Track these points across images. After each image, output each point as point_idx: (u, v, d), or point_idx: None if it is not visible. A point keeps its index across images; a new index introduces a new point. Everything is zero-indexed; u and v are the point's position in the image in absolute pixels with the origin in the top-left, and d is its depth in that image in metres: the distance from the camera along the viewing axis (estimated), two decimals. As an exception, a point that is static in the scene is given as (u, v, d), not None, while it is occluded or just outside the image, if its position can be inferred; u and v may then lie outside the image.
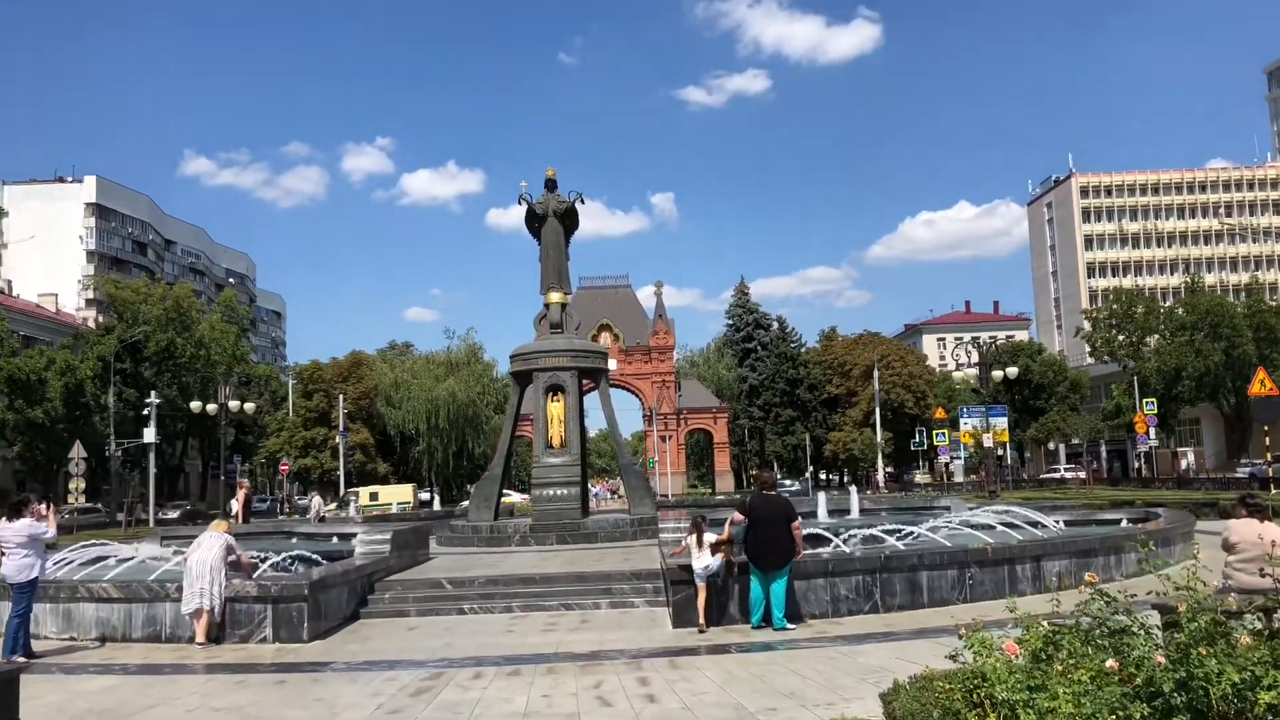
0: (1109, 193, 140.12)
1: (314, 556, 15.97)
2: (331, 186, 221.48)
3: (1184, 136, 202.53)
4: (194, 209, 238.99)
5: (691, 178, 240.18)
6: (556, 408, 22.39)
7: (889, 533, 17.27)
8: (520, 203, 23.87)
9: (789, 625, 11.53)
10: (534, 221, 24.10)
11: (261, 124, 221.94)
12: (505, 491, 49.64)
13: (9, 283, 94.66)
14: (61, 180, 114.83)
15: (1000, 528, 18.21)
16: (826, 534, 16.61)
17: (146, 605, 12.45)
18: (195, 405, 47.85)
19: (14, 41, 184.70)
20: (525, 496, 36.58)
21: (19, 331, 71.17)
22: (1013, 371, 41.27)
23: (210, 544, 12.37)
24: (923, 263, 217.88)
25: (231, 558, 12.49)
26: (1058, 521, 19.75)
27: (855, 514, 21.57)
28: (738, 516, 12.00)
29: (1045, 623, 6.59)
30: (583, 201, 24.01)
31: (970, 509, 21.44)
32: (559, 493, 21.76)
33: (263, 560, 15.63)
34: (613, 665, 9.74)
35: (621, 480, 26.14)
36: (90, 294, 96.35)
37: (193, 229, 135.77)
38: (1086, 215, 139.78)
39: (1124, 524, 20.49)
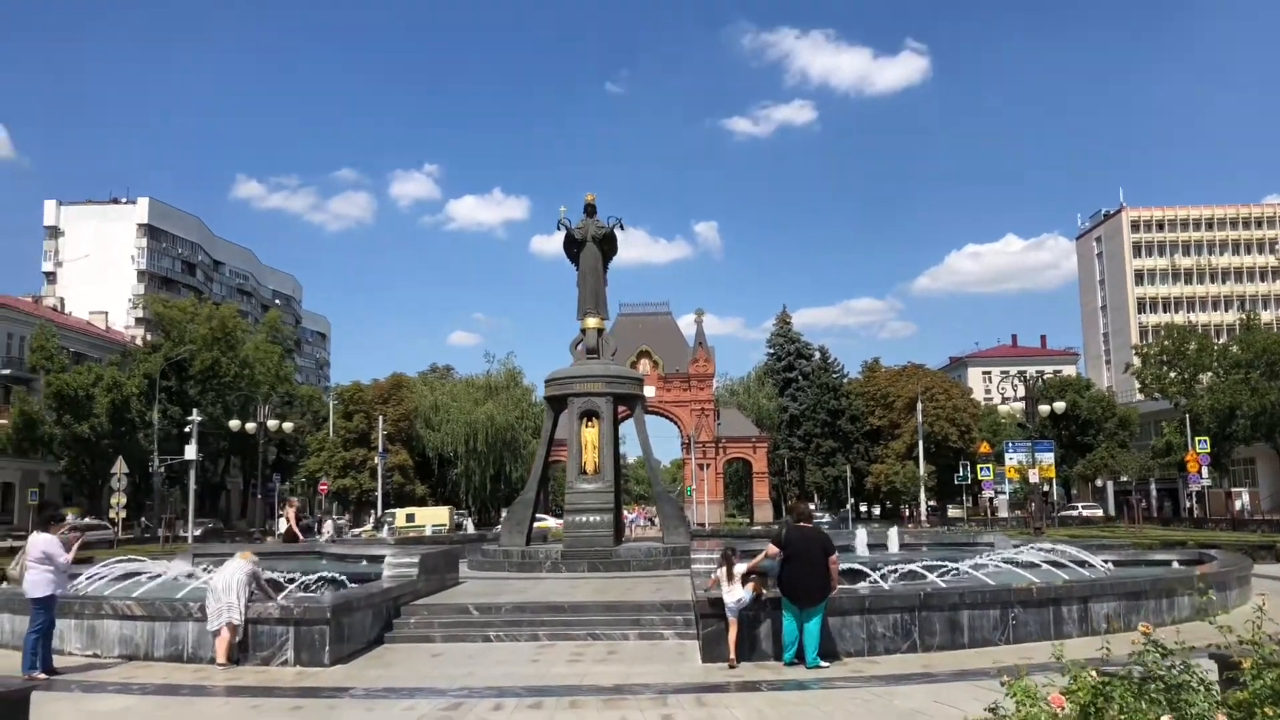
0: (1160, 227, 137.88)
1: (341, 578, 15.76)
2: (379, 211, 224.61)
3: (1238, 171, 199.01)
4: (243, 232, 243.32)
5: (736, 207, 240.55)
6: (591, 433, 22.14)
7: (929, 569, 16.75)
8: (559, 228, 23.78)
9: (823, 663, 11.10)
10: (572, 247, 23.99)
11: (312, 150, 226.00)
12: (540, 516, 49.57)
13: (61, 300, 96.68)
14: (116, 201, 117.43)
15: (1045, 566, 17.62)
16: (864, 569, 16.15)
17: (170, 624, 12.31)
18: (235, 424, 48.09)
19: (73, 65, 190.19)
20: (560, 522, 36.33)
21: (69, 348, 72.53)
22: (1060, 406, 40.33)
23: (235, 567, 12.25)
24: (968, 295, 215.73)
25: (254, 587, 12.32)
26: (1105, 562, 19.05)
27: (894, 549, 21.01)
28: (772, 549, 11.62)
29: (1094, 672, 6.17)
30: (622, 227, 23.89)
31: (1014, 546, 20.79)
32: (592, 519, 21.46)
33: (289, 581, 15.50)
34: (637, 701, 9.39)
35: (656, 508, 25.79)
36: (139, 313, 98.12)
37: (241, 250, 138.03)
38: (1137, 250, 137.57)
39: (1175, 565, 19.74)
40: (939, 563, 17.32)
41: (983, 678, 10.29)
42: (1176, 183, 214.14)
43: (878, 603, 12.04)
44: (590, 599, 15.11)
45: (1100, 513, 62.32)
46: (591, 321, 23.38)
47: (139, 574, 18.20)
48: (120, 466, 44.77)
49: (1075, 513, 70.13)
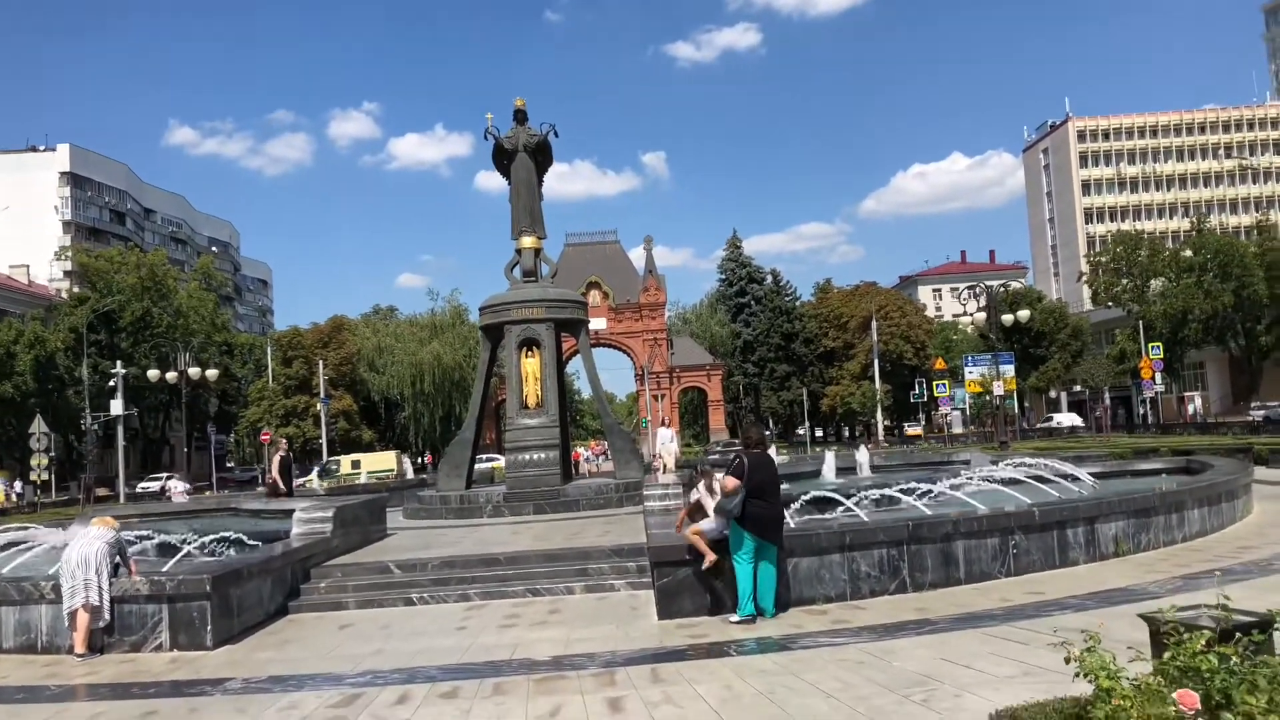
0: (1106, 136, 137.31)
1: (245, 539, 13.76)
2: (318, 153, 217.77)
3: (1182, 78, 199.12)
4: (178, 180, 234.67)
5: (683, 136, 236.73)
6: (531, 364, 20.16)
7: (906, 493, 15.20)
8: (487, 137, 21.44)
9: (776, 615, 9.60)
10: (503, 158, 21.69)
11: (246, 92, 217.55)
12: (493, 456, 47.72)
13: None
14: (34, 149, 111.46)
15: (1032, 483, 16.17)
16: (837, 496, 14.50)
17: (18, 608, 10.25)
18: (154, 374, 45.35)
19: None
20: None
21: (-13, 304, 68.72)
22: (1024, 315, 38.94)
23: (95, 533, 10.18)
24: (916, 216, 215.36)
25: (116, 559, 10.29)
26: (1090, 475, 17.68)
27: (866, 473, 19.44)
28: (730, 482, 9.66)
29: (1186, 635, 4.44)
30: (556, 134, 21.59)
31: (991, 463, 19.34)
32: (536, 457, 19.59)
33: (184, 544, 13.50)
34: (578, 679, 7.60)
35: (607, 441, 24.08)
36: (65, 265, 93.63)
37: (173, 197, 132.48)
38: (1084, 160, 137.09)
39: (1165, 476, 18.42)
40: (915, 485, 15.78)
41: (990, 622, 8.67)
42: (1121, 92, 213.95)
43: (860, 537, 10.33)
44: (530, 547, 13.30)
45: (1081, 422, 61.57)
46: (527, 241, 21.23)
47: (21, 544, 16.09)
48: (39, 425, 41.96)
49: (1052, 424, 69.13)
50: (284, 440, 23.30)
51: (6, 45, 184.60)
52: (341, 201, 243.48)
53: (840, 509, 14.40)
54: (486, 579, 12.01)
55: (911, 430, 77.47)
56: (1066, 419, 71.69)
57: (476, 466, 33.67)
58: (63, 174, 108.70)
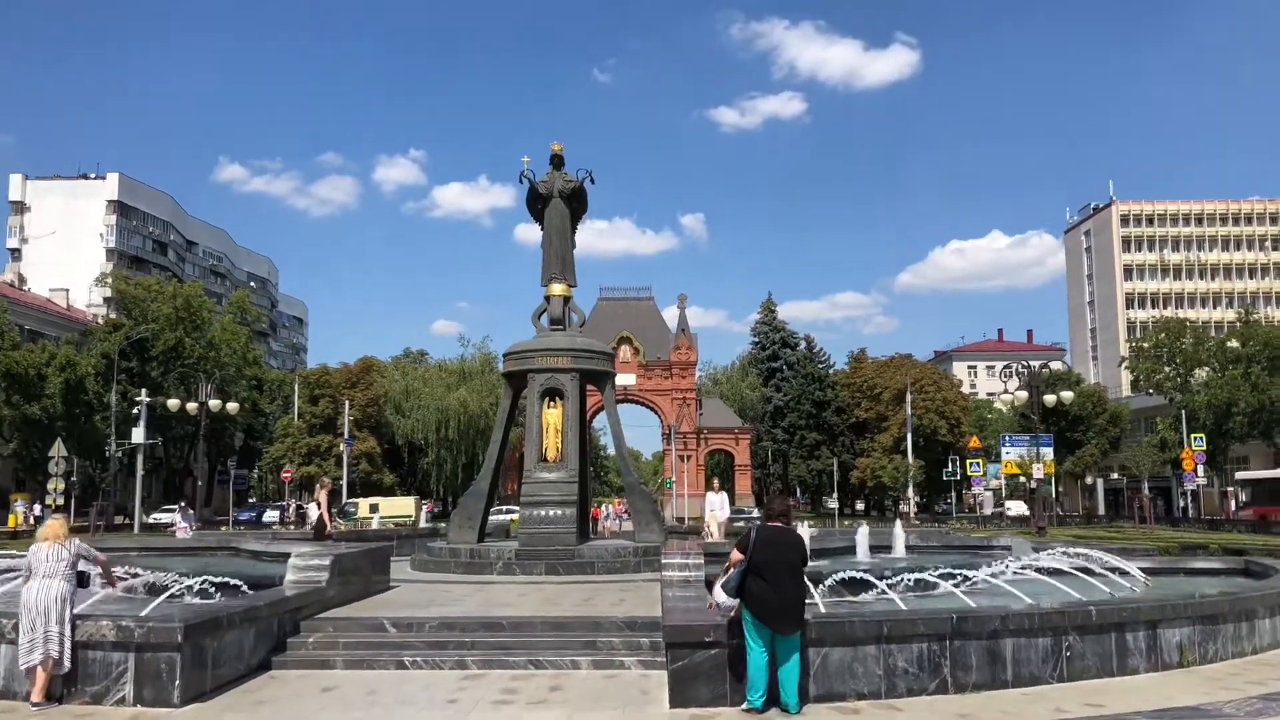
0: (1150, 222, 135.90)
1: (238, 583, 12.93)
2: (363, 196, 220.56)
3: (1228, 167, 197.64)
4: (224, 215, 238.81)
5: (722, 199, 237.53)
6: (553, 415, 19.34)
7: (945, 578, 14.15)
8: (522, 180, 20.91)
9: (801, 711, 8.55)
10: (537, 203, 21.14)
11: (297, 134, 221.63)
12: (511, 508, 46.76)
13: (19, 276, 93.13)
14: (85, 177, 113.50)
15: (1079, 575, 15.05)
16: (870, 577, 13.49)
17: (-25, 647, 9.44)
18: (173, 403, 45.01)
19: (51, 38, 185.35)
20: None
21: (24, 326, 69.13)
22: (1069, 396, 37.73)
23: (51, 565, 9.31)
24: (952, 291, 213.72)
25: (85, 568, 9.46)
26: (1139, 570, 16.49)
27: (900, 552, 18.32)
28: (735, 555, 8.92)
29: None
30: (592, 181, 21.00)
31: (1034, 550, 18.18)
32: (552, 513, 18.67)
33: (169, 585, 12.70)
34: (573, 776, 6.65)
35: (626, 501, 23.10)
36: (104, 291, 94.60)
37: (215, 230, 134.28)
38: (1126, 244, 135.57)
39: (1223, 578, 17.18)
40: (954, 570, 14.71)
41: (1046, 737, 7.63)
42: (1166, 178, 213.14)
43: (898, 628, 9.32)
44: (537, 613, 12.36)
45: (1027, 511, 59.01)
46: (557, 288, 20.57)
47: (9, 572, 15.38)
48: (58, 449, 41.68)
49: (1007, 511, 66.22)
50: (327, 478, 22.10)
51: (66, 73, 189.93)
52: (383, 245, 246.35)
53: (874, 592, 13.40)
54: (487, 645, 11.08)
55: (942, 510, 75.68)
56: (1015, 507, 69.14)
57: (494, 518, 32.72)
58: (110, 202, 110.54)
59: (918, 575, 14.18)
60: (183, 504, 31.78)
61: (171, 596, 12.76)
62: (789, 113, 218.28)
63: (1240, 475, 64.44)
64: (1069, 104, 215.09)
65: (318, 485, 22.47)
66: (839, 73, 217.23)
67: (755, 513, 53.35)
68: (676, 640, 8.93)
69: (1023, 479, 67.99)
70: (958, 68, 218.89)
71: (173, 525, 28.35)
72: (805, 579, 9.00)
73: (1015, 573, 15.30)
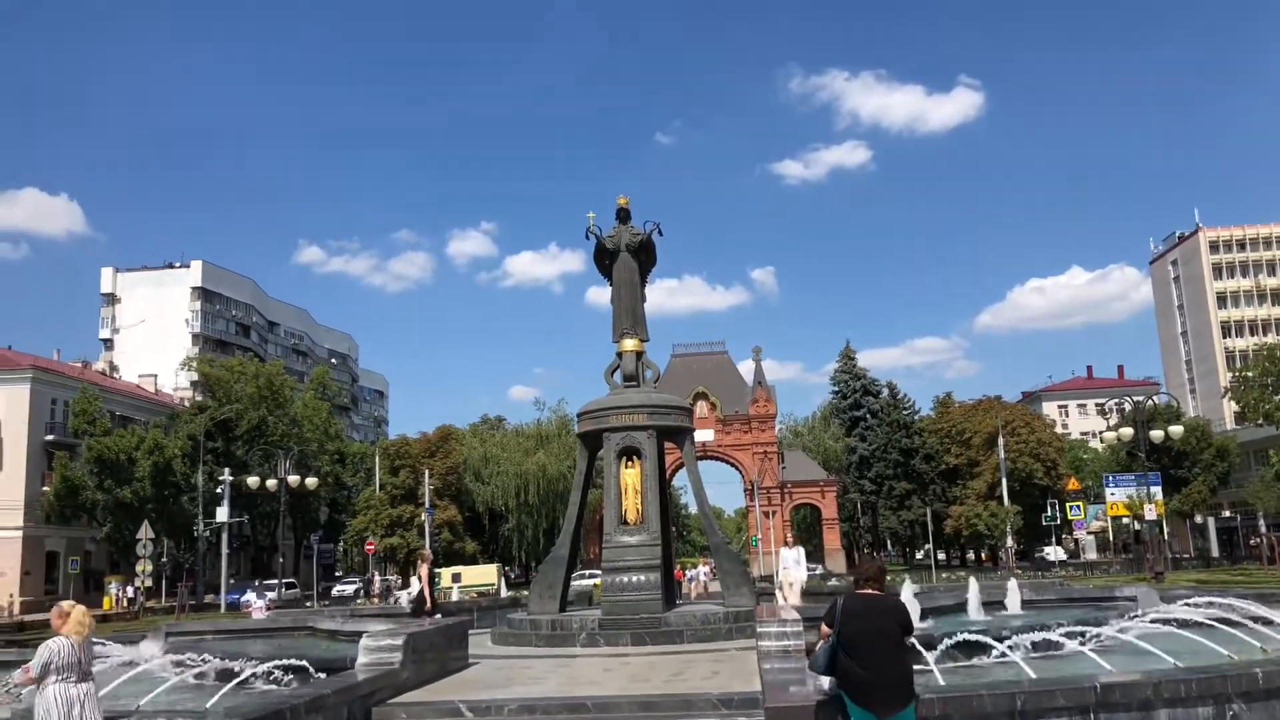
0: (1241, 247, 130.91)
1: (310, 667, 12.24)
2: (438, 270, 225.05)
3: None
4: (304, 295, 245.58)
5: (792, 252, 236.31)
6: (631, 475, 18.50)
7: (1070, 636, 12.82)
8: (588, 236, 20.39)
9: None
10: (604, 258, 20.58)
11: (372, 214, 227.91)
12: (594, 572, 45.79)
13: (109, 364, 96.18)
14: (171, 266, 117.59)
15: (1218, 627, 13.54)
16: (988, 639, 12.24)
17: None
18: (253, 480, 45.27)
19: (144, 139, 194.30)
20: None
21: (115, 412, 71.00)
22: (1177, 431, 35.53)
23: (74, 660, 8.04)
24: (1034, 331, 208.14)
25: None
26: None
27: (1015, 608, 16.92)
28: (824, 629, 7.79)
29: None
30: (660, 233, 20.38)
31: (1162, 600, 16.62)
32: (635, 579, 17.72)
33: (239, 671, 12.07)
34: None
35: (714, 562, 21.96)
36: (191, 375, 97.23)
37: (296, 311, 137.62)
38: (1218, 272, 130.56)
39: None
40: (1078, 627, 13.37)
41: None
42: (1252, 202, 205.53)
43: (1034, 701, 8.14)
44: (624, 690, 11.40)
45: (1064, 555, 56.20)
46: (629, 344, 19.85)
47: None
48: (145, 531, 42.13)
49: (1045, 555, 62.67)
50: (427, 550, 21.15)
51: (153, 169, 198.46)
52: (458, 316, 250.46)
53: (993, 655, 12.15)
54: (570, 730, 10.16)
55: (1049, 554, 72.21)
56: (1051, 552, 65.67)
57: (576, 584, 31.71)
58: (194, 289, 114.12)
59: (1041, 635, 12.91)
60: (257, 582, 31.38)
61: (241, 684, 12.19)
62: (854, 161, 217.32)
63: None
64: (1142, 132, 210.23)
65: (419, 559, 21.16)
66: (902, 119, 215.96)
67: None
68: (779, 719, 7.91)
69: (1126, 520, 64.89)
70: (1024, 105, 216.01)
71: (244, 605, 27.66)
72: (910, 650, 7.75)
73: (1146, 627, 13.89)
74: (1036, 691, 8.28)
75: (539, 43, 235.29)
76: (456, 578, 48.66)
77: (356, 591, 67.59)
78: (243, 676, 12.24)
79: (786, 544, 16.71)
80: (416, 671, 12.39)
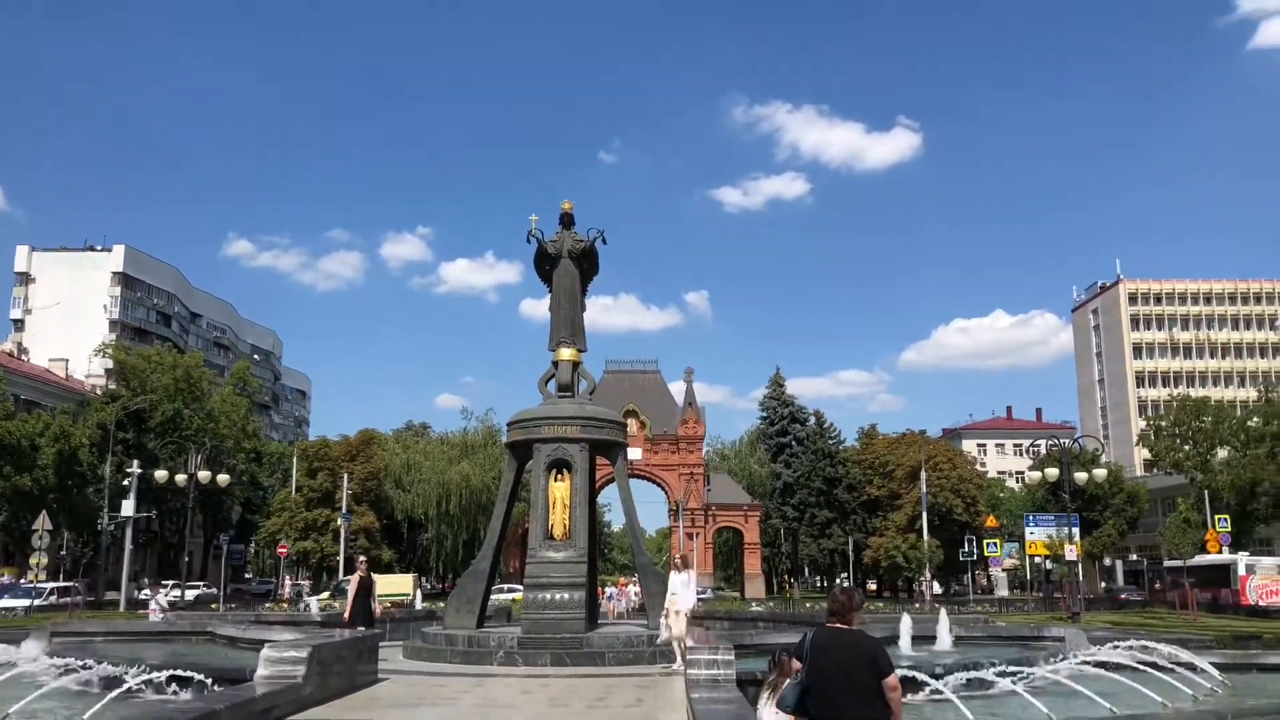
0: (1159, 300, 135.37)
1: (202, 678, 11.37)
2: (370, 272, 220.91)
3: (1237, 246, 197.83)
4: (231, 289, 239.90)
5: (726, 277, 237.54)
6: (561, 489, 17.90)
7: (1004, 674, 12.55)
8: (529, 240, 19.82)
9: None
10: (545, 264, 20.01)
11: (305, 211, 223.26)
12: (514, 586, 44.85)
13: (17, 346, 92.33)
14: (91, 248, 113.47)
15: (1148, 671, 13.45)
16: (920, 675, 11.89)
17: None
18: (161, 474, 43.46)
19: (60, 111, 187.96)
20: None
21: (20, 395, 67.93)
22: (1100, 474, 36.11)
23: None
24: (957, 370, 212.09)
25: None
26: (1210, 665, 14.83)
27: (946, 644, 16.66)
28: (794, 664, 7.09)
29: None
30: (604, 241, 19.92)
31: (1090, 642, 16.52)
32: (558, 597, 17.09)
33: (125, 679, 11.15)
34: None
35: (639, 583, 21.34)
36: (105, 361, 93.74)
37: (220, 303, 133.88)
38: (1135, 323, 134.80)
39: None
40: (1011, 667, 13.14)
41: None
42: (1173, 257, 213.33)
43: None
44: (540, 718, 10.76)
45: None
46: (565, 353, 19.28)
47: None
48: (43, 521, 40.05)
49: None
50: (364, 558, 19.23)
51: (76, 147, 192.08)
52: (388, 320, 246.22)
53: (925, 693, 11.80)
54: (484, 757, 9.49)
55: (953, 590, 73.19)
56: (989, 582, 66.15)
57: (495, 598, 30.83)
58: (115, 274, 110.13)
59: (973, 674, 12.63)
60: (151, 583, 29.75)
61: (126, 694, 11.27)
62: (792, 193, 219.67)
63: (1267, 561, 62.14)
64: (1072, 183, 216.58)
65: (358, 563, 19.11)
66: (841, 154, 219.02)
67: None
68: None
69: (1039, 560, 66.01)
70: (960, 149, 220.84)
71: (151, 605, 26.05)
72: (878, 698, 6.57)
73: (1076, 668, 13.75)
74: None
75: (490, 50, 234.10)
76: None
77: (268, 594, 65.49)
78: (129, 685, 11.34)
79: (675, 567, 14.09)
80: (321, 686, 11.60)
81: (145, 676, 11.53)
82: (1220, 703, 12.68)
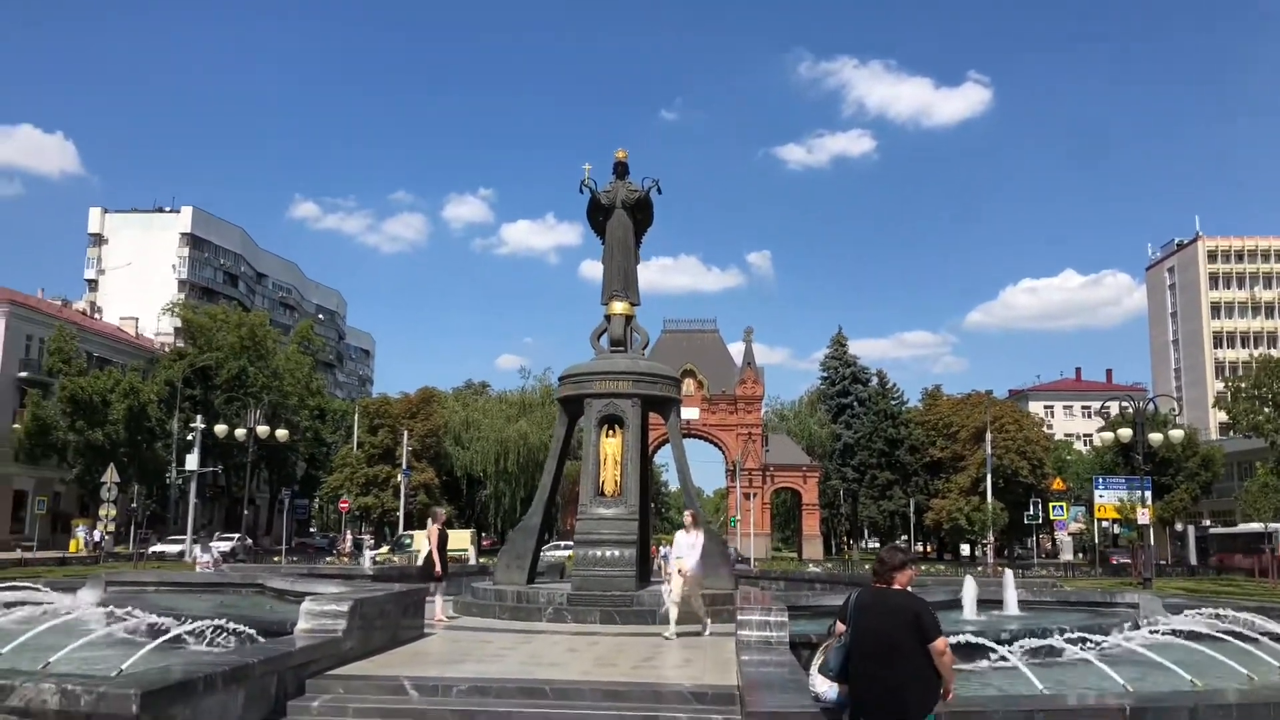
0: (1240, 257, 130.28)
1: (248, 631, 11.20)
2: (433, 234, 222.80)
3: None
4: (297, 250, 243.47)
5: (789, 237, 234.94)
6: (612, 444, 17.47)
7: (1073, 642, 11.86)
8: (583, 190, 19.24)
9: None
10: (598, 214, 19.45)
11: (370, 173, 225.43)
12: (567, 543, 44.89)
13: (91, 305, 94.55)
14: (160, 210, 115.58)
15: (1230, 641, 12.65)
16: (986, 642, 11.27)
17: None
18: (220, 429, 44.10)
19: (134, 77, 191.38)
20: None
21: (92, 353, 69.59)
22: (1177, 435, 34.68)
23: None
24: (1024, 331, 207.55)
25: None
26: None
27: (1012, 609, 15.95)
28: (840, 627, 6.72)
29: None
30: (659, 191, 19.27)
31: (1167, 609, 15.70)
32: (609, 554, 16.72)
33: (170, 629, 11.04)
34: None
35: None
36: (173, 320, 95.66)
37: (285, 264, 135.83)
38: (1214, 281, 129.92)
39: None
40: (1081, 634, 12.42)
41: None
42: (1253, 214, 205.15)
43: (1052, 718, 7.15)
44: (588, 675, 10.39)
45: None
46: (618, 307, 18.76)
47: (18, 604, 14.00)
48: (111, 475, 40.93)
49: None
50: (440, 510, 17.60)
51: (149, 112, 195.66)
52: (450, 281, 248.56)
53: (991, 659, 11.18)
54: (524, 717, 9.12)
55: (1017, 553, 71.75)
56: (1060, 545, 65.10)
57: (548, 555, 30.71)
58: (183, 235, 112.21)
59: (1041, 641, 11.96)
60: (203, 534, 30.05)
61: (172, 642, 11.16)
62: (857, 150, 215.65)
63: None
64: (1147, 139, 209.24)
65: (430, 517, 17.58)
66: (909, 110, 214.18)
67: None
68: (764, 732, 6.86)
69: (1107, 524, 64.27)
70: (1031, 104, 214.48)
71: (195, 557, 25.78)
72: (923, 661, 6.14)
73: (1152, 637, 12.99)
74: (1058, 710, 7.27)
75: (553, 7, 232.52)
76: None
77: (329, 547, 66.59)
78: (172, 634, 11.23)
79: (684, 528, 12.36)
80: (363, 640, 11.35)
81: (189, 626, 11.41)
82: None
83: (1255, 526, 54.35)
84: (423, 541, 17.20)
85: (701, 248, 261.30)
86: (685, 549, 14.47)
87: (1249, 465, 75.13)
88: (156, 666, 8.61)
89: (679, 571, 14.03)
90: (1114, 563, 56.58)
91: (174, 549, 50.78)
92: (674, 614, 13.64)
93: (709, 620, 14.32)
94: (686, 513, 15.08)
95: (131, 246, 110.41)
